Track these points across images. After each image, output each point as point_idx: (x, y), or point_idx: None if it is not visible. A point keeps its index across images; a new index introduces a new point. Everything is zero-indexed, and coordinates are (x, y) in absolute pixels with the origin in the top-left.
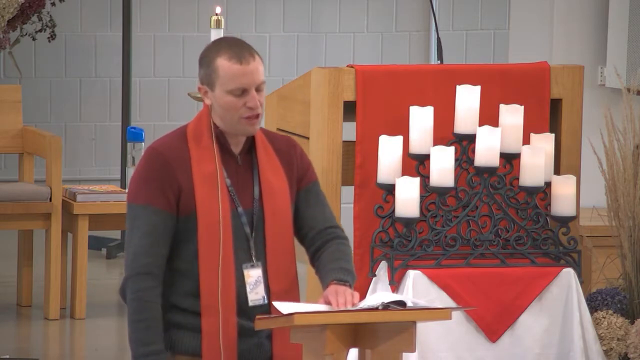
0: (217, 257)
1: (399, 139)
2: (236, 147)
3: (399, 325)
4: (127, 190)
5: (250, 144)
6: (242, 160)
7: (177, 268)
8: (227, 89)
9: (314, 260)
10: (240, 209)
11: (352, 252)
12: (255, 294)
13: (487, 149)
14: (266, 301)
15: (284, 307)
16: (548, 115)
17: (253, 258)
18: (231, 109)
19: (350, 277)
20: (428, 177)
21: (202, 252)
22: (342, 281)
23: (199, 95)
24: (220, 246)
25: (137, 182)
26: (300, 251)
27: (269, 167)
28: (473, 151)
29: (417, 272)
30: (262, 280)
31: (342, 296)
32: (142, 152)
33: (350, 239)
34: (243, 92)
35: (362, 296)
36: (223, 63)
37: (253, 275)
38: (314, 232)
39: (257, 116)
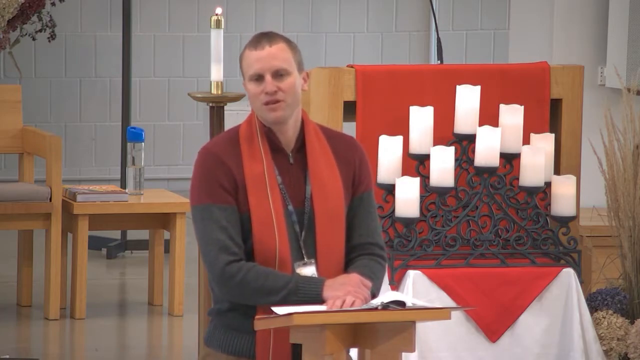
0: (272, 256)
1: (399, 139)
2: (287, 145)
3: (398, 325)
4: (189, 196)
5: (303, 142)
6: (294, 159)
7: None
8: (247, 77)
9: (345, 270)
10: (290, 207)
11: (385, 271)
12: None
13: (487, 149)
14: None
15: (283, 309)
16: (548, 115)
17: (304, 256)
18: (253, 97)
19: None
20: (428, 177)
21: (258, 251)
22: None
23: (199, 95)
24: (277, 245)
25: (196, 184)
26: None
27: (323, 166)
28: (473, 151)
29: (417, 272)
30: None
31: (341, 299)
32: (142, 152)
33: None
34: (259, 77)
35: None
36: (244, 52)
37: (307, 273)
38: (352, 243)
39: (276, 102)
